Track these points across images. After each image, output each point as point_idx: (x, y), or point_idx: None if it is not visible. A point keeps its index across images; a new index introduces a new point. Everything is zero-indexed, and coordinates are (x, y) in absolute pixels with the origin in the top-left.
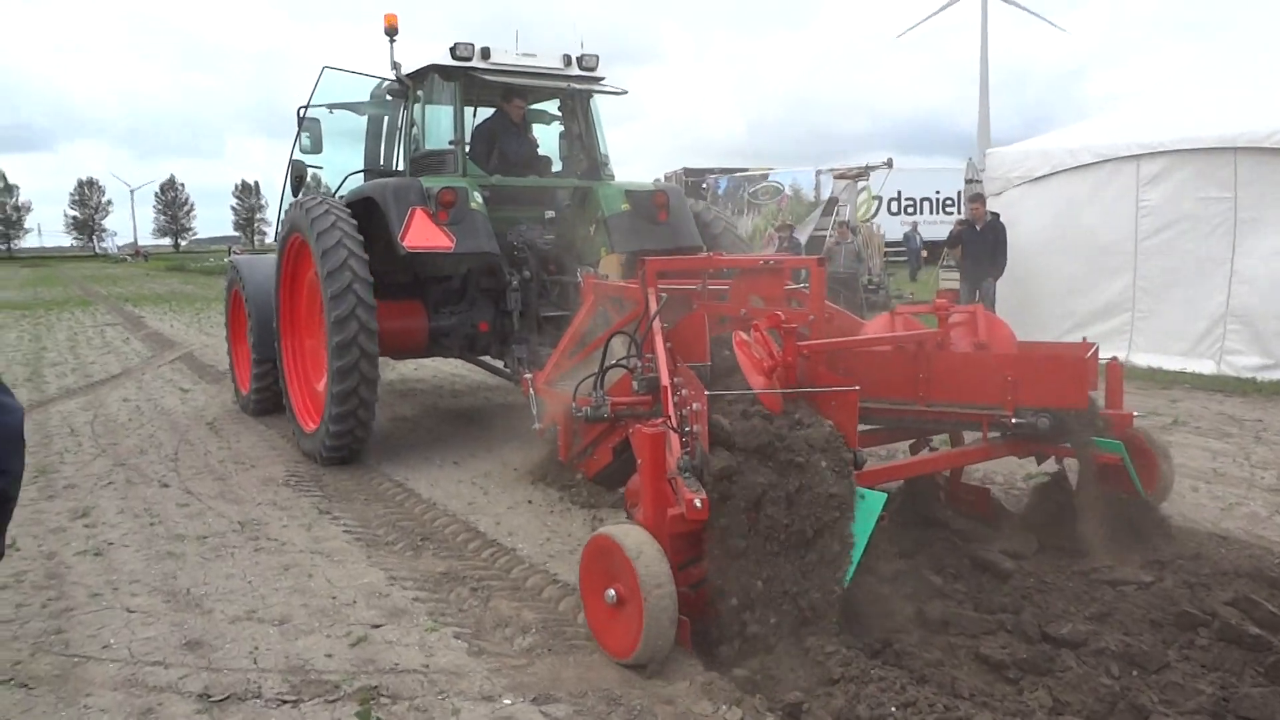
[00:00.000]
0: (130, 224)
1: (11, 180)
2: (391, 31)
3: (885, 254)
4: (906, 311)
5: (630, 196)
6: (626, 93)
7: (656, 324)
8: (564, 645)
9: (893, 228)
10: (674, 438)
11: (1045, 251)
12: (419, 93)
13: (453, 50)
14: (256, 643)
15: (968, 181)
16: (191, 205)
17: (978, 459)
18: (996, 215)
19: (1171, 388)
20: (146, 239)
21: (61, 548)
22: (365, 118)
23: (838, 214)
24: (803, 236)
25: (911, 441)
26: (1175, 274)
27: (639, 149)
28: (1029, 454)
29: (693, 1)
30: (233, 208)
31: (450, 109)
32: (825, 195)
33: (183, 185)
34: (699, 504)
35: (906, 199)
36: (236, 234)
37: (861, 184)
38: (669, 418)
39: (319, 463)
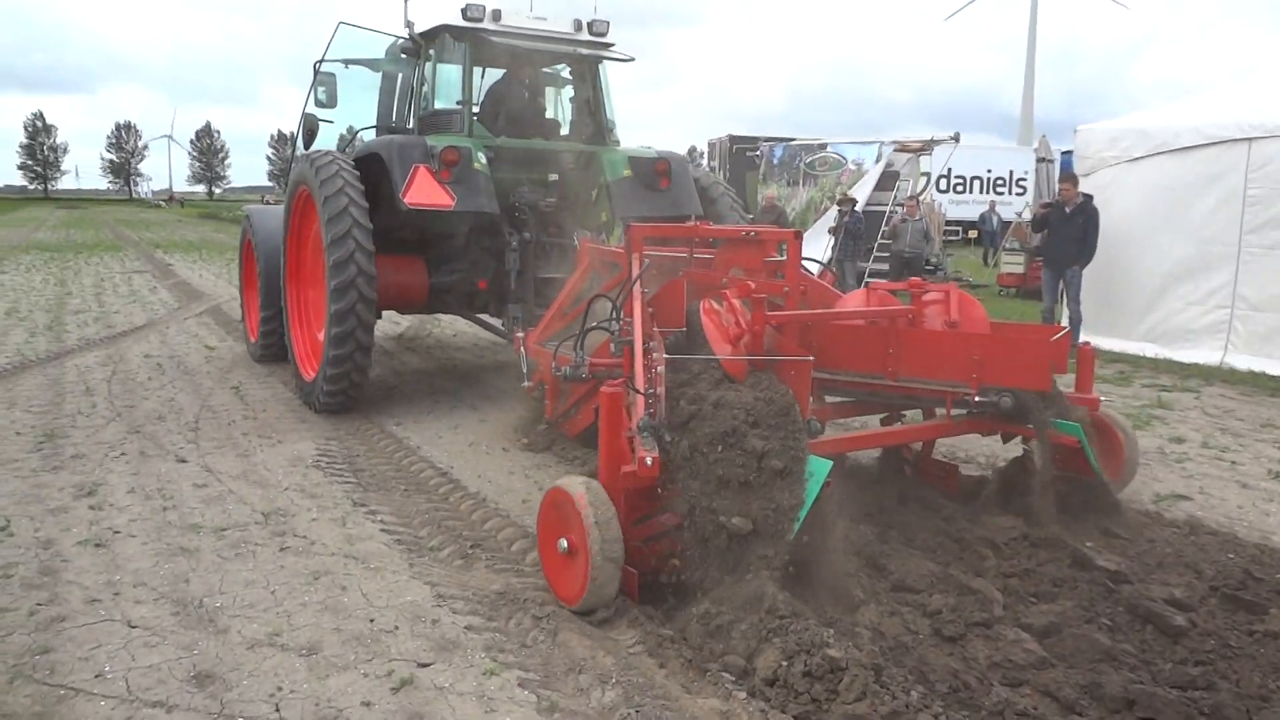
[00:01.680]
0: (166, 169)
1: (50, 121)
2: None
3: (944, 233)
4: (882, 288)
5: (633, 163)
6: (634, 59)
7: (636, 288)
8: (655, 705)
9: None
10: (639, 398)
11: (1136, 239)
12: (430, 52)
13: (464, 11)
14: (280, 679)
15: (1039, 160)
16: (227, 153)
17: (939, 435)
18: (1089, 197)
19: None
20: (181, 185)
21: (61, 534)
22: (380, 74)
23: (898, 190)
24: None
25: (884, 415)
26: None
27: (676, 113)
28: (991, 432)
29: None
30: (268, 157)
31: (460, 69)
32: (891, 169)
33: (219, 132)
34: (650, 461)
35: (957, 177)
36: (270, 184)
37: (923, 159)
38: (628, 378)
39: (315, 410)
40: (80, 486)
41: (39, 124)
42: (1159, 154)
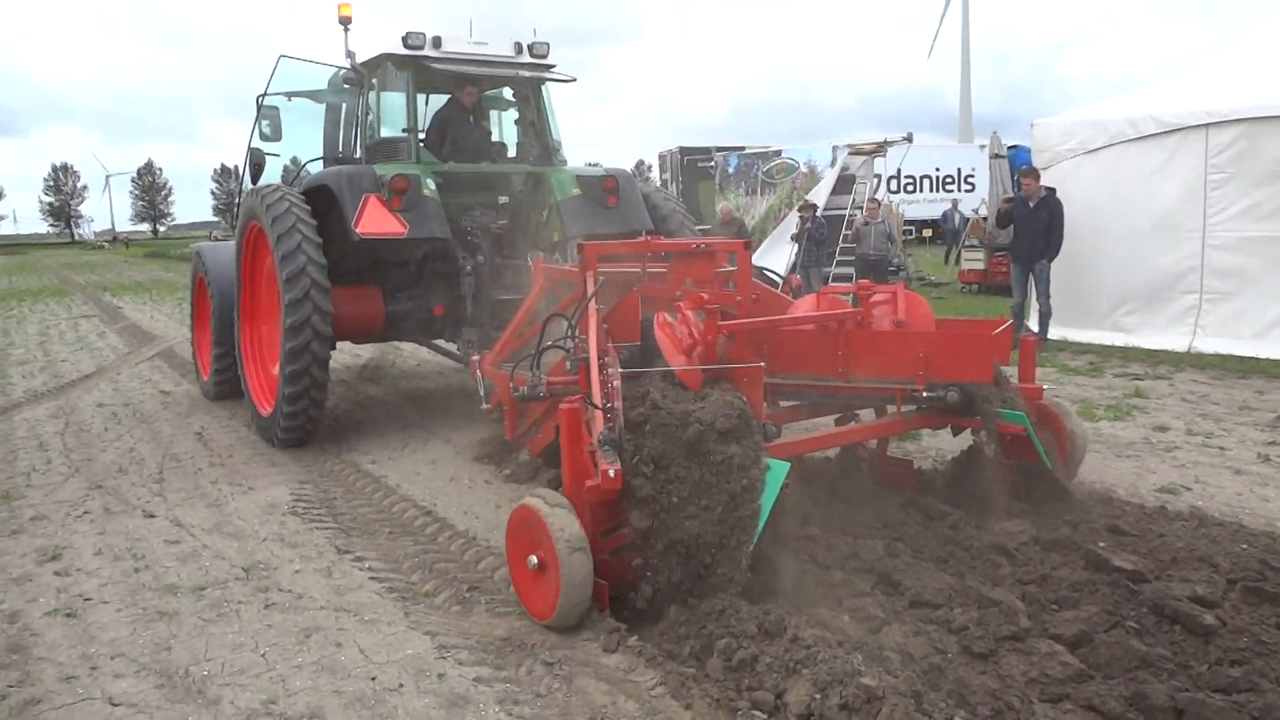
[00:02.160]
0: (107, 210)
1: None
2: (346, 21)
3: (903, 233)
4: (831, 292)
5: (581, 181)
6: (575, 79)
7: (591, 305)
8: None
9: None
10: (598, 413)
11: (1100, 230)
12: (373, 81)
13: (405, 39)
14: None
15: (993, 157)
16: (170, 190)
17: (892, 432)
18: (1052, 190)
19: (1249, 376)
20: (124, 225)
21: (27, 605)
22: (324, 105)
23: (856, 193)
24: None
25: (838, 416)
26: (1248, 253)
27: (621, 129)
28: (941, 426)
29: None
30: (212, 192)
31: (403, 97)
32: (847, 173)
33: (160, 170)
34: (613, 474)
35: (906, 177)
36: (216, 219)
37: (877, 160)
38: (585, 394)
39: (275, 445)
40: (43, 551)
41: None
42: (1117, 144)
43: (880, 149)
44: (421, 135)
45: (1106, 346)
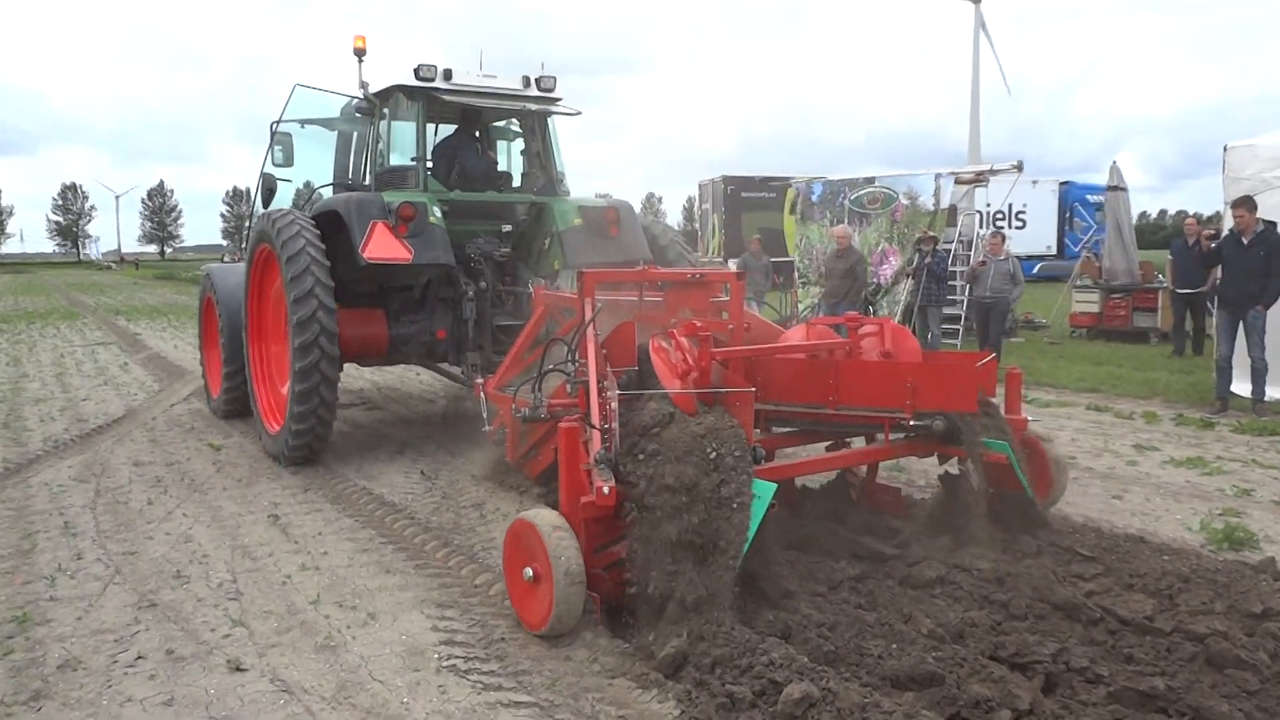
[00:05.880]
0: (114, 230)
1: None
2: (360, 53)
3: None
4: (821, 323)
5: (583, 212)
6: (580, 113)
7: (590, 330)
8: None
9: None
10: (596, 433)
11: None
12: (385, 111)
13: (416, 71)
14: None
15: (1110, 188)
16: (179, 212)
17: (879, 459)
18: (1273, 225)
19: None
20: (131, 246)
21: None
22: (335, 133)
23: (961, 226)
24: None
25: (829, 443)
26: None
27: (630, 160)
28: (928, 454)
29: (686, 7)
30: (222, 215)
31: (413, 126)
32: (946, 204)
33: (171, 191)
34: (606, 491)
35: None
36: (224, 241)
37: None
38: (584, 414)
39: (282, 463)
40: None
41: None
42: None
43: (981, 178)
44: (429, 164)
45: None
